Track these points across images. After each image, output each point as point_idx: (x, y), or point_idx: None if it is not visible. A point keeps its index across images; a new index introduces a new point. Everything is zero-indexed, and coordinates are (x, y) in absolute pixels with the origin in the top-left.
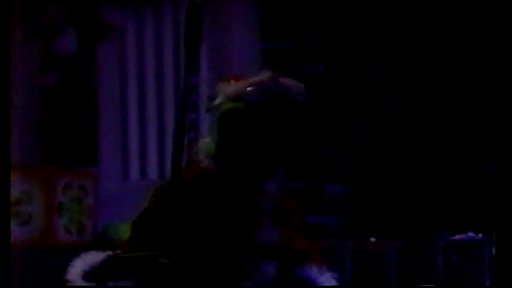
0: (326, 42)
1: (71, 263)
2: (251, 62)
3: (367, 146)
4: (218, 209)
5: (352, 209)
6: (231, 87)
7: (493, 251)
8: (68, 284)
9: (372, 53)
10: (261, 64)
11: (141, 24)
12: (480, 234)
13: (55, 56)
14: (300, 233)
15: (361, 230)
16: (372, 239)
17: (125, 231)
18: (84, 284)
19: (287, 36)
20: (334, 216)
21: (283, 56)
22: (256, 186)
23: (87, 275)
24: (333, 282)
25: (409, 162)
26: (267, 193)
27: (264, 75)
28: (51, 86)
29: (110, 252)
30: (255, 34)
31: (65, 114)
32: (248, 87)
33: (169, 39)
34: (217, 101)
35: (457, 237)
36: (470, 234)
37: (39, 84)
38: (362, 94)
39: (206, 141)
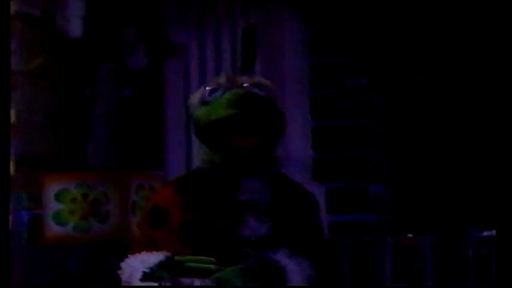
0: (368, 58)
1: (125, 263)
2: (300, 76)
3: (405, 149)
4: (203, 204)
5: (392, 207)
6: (194, 96)
7: None
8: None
9: (411, 68)
10: (309, 77)
11: (202, 43)
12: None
13: (128, 71)
14: (306, 225)
15: (399, 227)
16: (410, 235)
17: None
18: (140, 284)
19: (333, 52)
20: (375, 215)
21: (329, 70)
22: (235, 182)
23: (145, 277)
24: (304, 273)
25: (443, 166)
26: (245, 189)
27: (220, 77)
28: (125, 98)
29: (164, 254)
30: (304, 51)
31: (137, 124)
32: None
33: (227, 56)
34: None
35: (485, 233)
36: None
37: (115, 96)
38: (400, 105)
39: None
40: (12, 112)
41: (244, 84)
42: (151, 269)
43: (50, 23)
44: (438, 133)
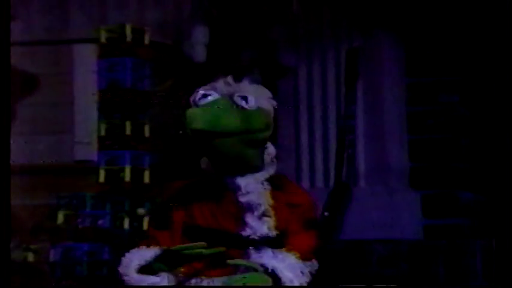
0: (461, 77)
1: (125, 257)
2: (398, 93)
3: (493, 160)
4: (207, 203)
5: (481, 212)
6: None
7: None
8: (123, 277)
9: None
10: (406, 94)
11: (310, 65)
12: None
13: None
14: (300, 223)
15: (487, 231)
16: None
17: None
18: (137, 277)
19: (428, 72)
20: (467, 219)
21: (425, 88)
22: (233, 183)
23: (141, 269)
24: (293, 274)
25: None
26: (243, 190)
27: (220, 80)
28: None
29: (160, 248)
30: (401, 71)
31: None
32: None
33: (332, 76)
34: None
35: None
36: None
37: None
38: (490, 120)
39: None
40: (146, 128)
41: (234, 96)
42: (148, 262)
43: (178, 49)
44: None
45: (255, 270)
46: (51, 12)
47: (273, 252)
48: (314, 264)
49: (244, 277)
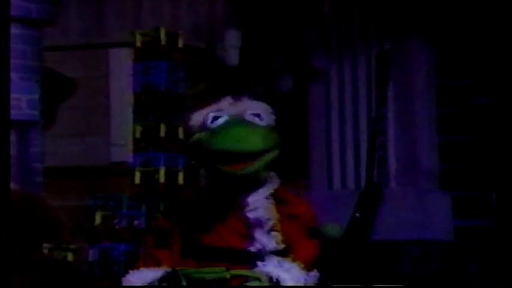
0: (491, 79)
1: (124, 278)
2: (428, 96)
3: None
4: (211, 221)
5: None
6: (195, 118)
7: None
8: None
9: None
10: (436, 96)
11: (341, 68)
12: None
13: (277, 93)
14: (302, 231)
15: None
16: None
17: (338, 231)
18: None
19: (458, 75)
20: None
21: (455, 90)
22: (240, 200)
23: None
24: (297, 278)
25: None
26: (251, 206)
27: (223, 102)
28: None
29: (163, 270)
30: (432, 73)
31: (282, 139)
32: (208, 113)
33: (363, 79)
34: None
35: None
36: None
37: None
38: None
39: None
40: (180, 130)
41: (245, 115)
42: (149, 283)
43: (211, 53)
44: None
45: (258, 279)
46: (88, 18)
47: (278, 262)
48: (316, 274)
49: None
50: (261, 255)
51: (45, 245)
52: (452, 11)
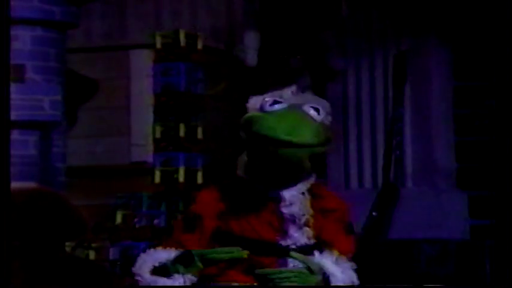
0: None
1: (140, 257)
2: (445, 96)
3: None
4: (244, 212)
5: None
6: (254, 101)
7: None
8: (136, 277)
9: None
10: (453, 97)
11: (358, 68)
12: None
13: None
14: (339, 227)
15: None
16: None
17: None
18: (149, 278)
19: (475, 75)
20: None
21: (471, 91)
22: (277, 194)
23: (154, 270)
24: (347, 273)
25: None
26: (287, 201)
27: (286, 90)
28: None
29: (177, 251)
30: (449, 74)
31: None
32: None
33: (380, 79)
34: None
35: None
36: None
37: None
38: None
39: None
40: (199, 130)
41: (304, 107)
42: (162, 263)
43: (230, 54)
44: None
45: (310, 269)
46: (110, 20)
47: (336, 259)
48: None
49: (293, 273)
50: (292, 249)
51: (67, 243)
52: (470, 11)
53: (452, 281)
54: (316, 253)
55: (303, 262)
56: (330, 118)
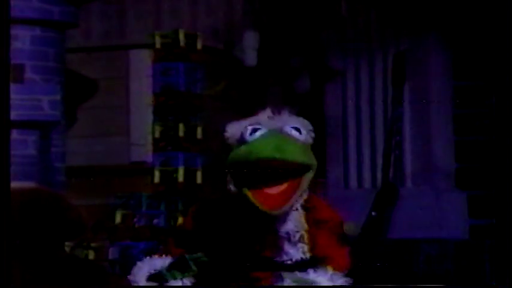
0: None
1: (136, 265)
2: (444, 96)
3: None
4: (239, 227)
5: None
6: (232, 130)
7: None
8: (133, 284)
9: None
10: (452, 97)
11: (358, 68)
12: None
13: (295, 94)
14: (333, 239)
15: None
16: None
17: (354, 229)
18: (147, 284)
19: (474, 75)
20: None
21: (471, 91)
22: (271, 212)
23: (150, 277)
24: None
25: None
26: (281, 219)
27: (262, 115)
28: None
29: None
30: (448, 74)
31: None
32: (248, 125)
33: (380, 79)
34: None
35: None
36: None
37: None
38: None
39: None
40: (199, 130)
41: (285, 128)
42: (157, 270)
43: (229, 54)
44: None
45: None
46: (109, 20)
47: (331, 276)
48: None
49: None
50: (287, 265)
51: (66, 243)
52: (469, 11)
53: (451, 280)
54: (311, 271)
55: (297, 282)
56: (312, 135)
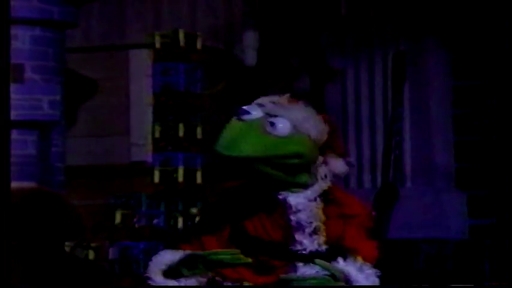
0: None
1: (152, 260)
2: (444, 96)
3: None
4: (257, 213)
5: None
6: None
7: None
8: (148, 280)
9: None
10: (452, 97)
11: (357, 68)
12: None
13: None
14: (362, 232)
15: None
16: None
17: None
18: (160, 280)
19: (474, 75)
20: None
21: (470, 91)
22: (284, 201)
23: (165, 272)
24: (371, 280)
25: None
26: (293, 208)
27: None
28: None
29: (183, 252)
30: (448, 74)
31: None
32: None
33: (379, 79)
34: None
35: None
36: None
37: None
38: None
39: None
40: (199, 130)
41: (270, 119)
42: (168, 266)
43: (229, 54)
44: None
45: (334, 276)
46: (109, 20)
47: (361, 266)
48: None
49: (317, 280)
50: (302, 255)
51: (66, 243)
52: (469, 11)
53: (451, 280)
54: (340, 260)
55: (327, 269)
56: (320, 128)
